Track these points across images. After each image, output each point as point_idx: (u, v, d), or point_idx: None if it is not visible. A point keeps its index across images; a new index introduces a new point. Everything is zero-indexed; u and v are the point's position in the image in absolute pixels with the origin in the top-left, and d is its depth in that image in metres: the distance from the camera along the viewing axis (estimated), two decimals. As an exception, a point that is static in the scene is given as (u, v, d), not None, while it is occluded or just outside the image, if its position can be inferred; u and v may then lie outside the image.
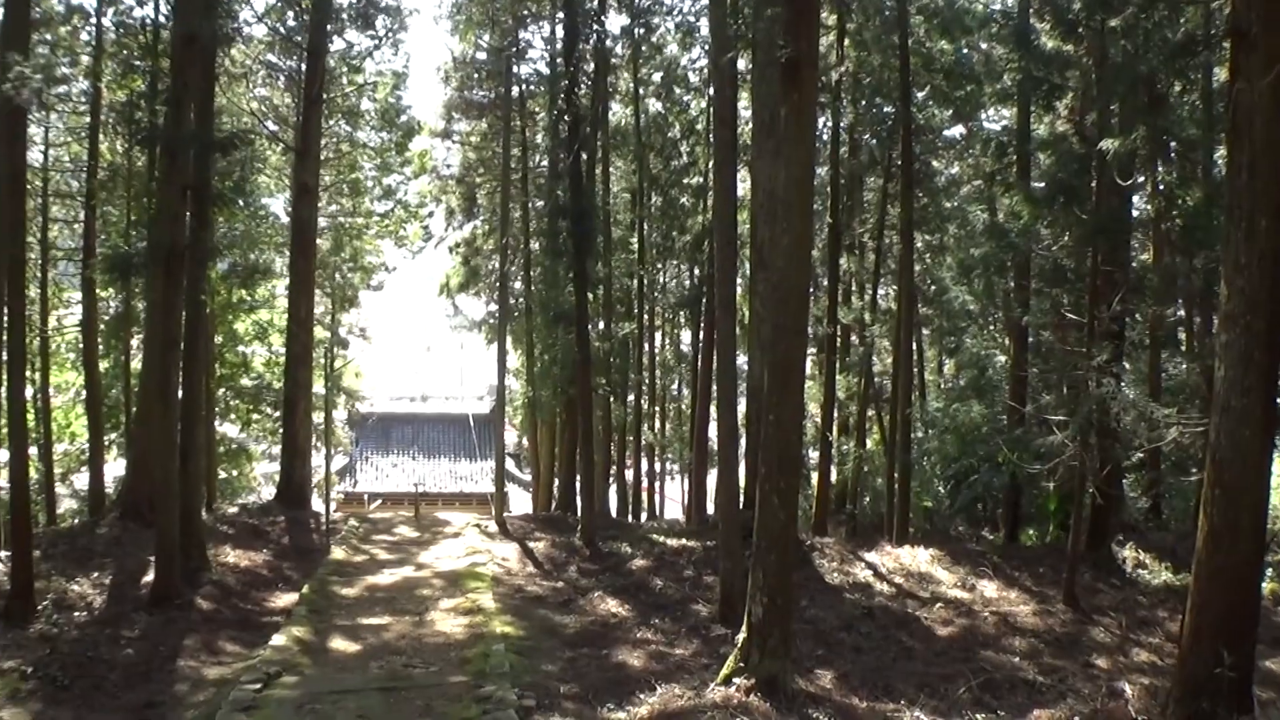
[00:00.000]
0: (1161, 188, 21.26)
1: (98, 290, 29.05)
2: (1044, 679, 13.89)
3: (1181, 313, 25.17)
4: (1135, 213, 22.26)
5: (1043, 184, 20.77)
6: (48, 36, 24.51)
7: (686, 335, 44.40)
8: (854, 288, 34.70)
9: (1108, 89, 17.56)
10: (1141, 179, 20.52)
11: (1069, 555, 18.13)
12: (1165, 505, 25.56)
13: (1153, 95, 18.21)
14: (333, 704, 12.30)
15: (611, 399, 36.12)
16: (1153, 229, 22.27)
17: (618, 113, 37.50)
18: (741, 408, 20.84)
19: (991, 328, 31.01)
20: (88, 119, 28.24)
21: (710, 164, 27.54)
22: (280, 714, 11.90)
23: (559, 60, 27.19)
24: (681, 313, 42.08)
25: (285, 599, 19.28)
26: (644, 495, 44.70)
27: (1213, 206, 17.98)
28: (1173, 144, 20.78)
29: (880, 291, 32.50)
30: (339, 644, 15.83)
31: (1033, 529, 25.02)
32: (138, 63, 25.55)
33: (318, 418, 34.15)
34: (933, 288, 31.88)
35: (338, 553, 23.64)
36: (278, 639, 15.60)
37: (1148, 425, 17.08)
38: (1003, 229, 20.96)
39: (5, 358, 18.82)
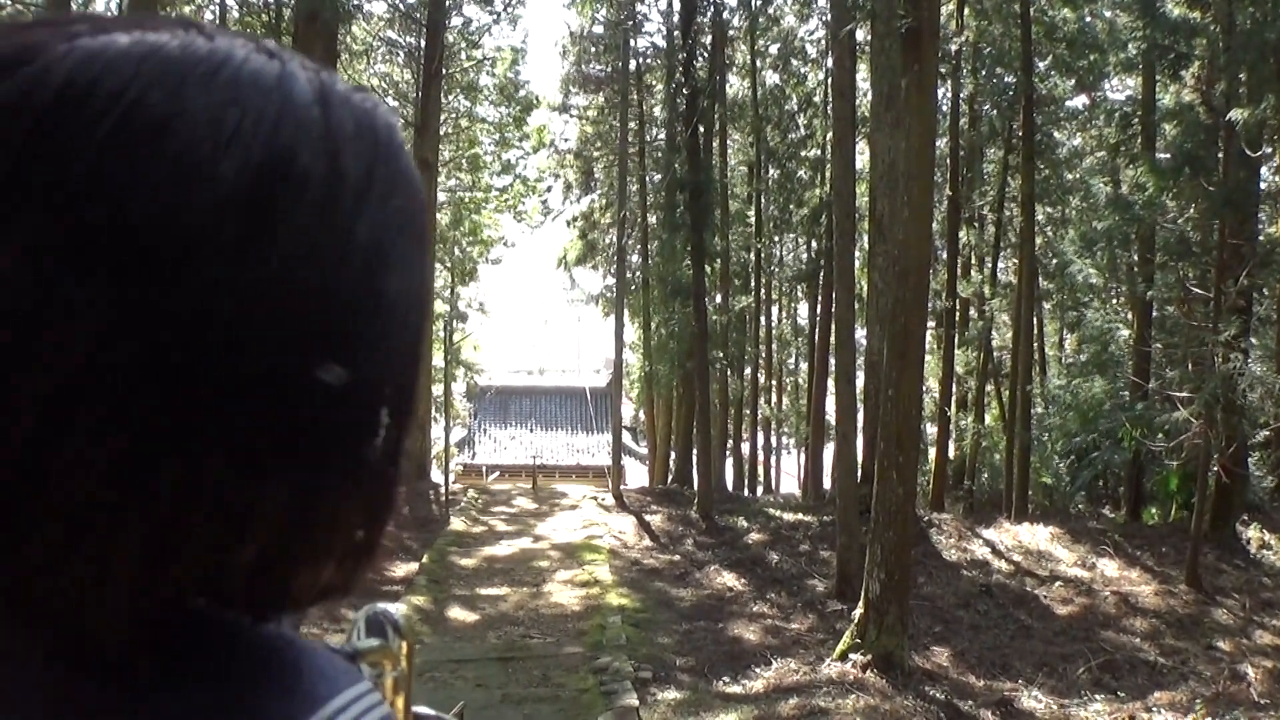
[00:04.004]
0: (1291, 159, 20.78)
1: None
2: (1165, 660, 13.70)
3: (1311, 287, 24.56)
4: (1264, 184, 21.72)
5: (1168, 155, 20.34)
6: (172, 15, 25.03)
7: (804, 309, 44.01)
8: (973, 261, 34.30)
9: (1236, 57, 17.15)
10: (1270, 150, 20.02)
11: (1192, 535, 17.75)
12: (1292, 484, 24.97)
13: (1283, 64, 17.77)
14: (451, 672, 12.50)
15: (728, 372, 36.11)
16: (1282, 201, 21.76)
17: (735, 85, 37.32)
18: (859, 382, 20.70)
19: (1114, 302, 30.50)
20: (213, 97, 28.83)
21: (828, 136, 27.37)
22: (400, 682, 12.11)
23: (676, 33, 27.17)
24: (799, 286, 41.79)
25: (405, 568, 19.58)
26: (760, 469, 44.61)
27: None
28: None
29: (1000, 265, 32.12)
30: (457, 613, 16.08)
31: (1155, 508, 24.57)
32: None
33: (437, 390, 34.52)
34: (1054, 261, 31.30)
35: (456, 524, 23.93)
36: (398, 608, 15.88)
37: (1274, 402, 16.73)
38: (1127, 201, 20.56)
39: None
